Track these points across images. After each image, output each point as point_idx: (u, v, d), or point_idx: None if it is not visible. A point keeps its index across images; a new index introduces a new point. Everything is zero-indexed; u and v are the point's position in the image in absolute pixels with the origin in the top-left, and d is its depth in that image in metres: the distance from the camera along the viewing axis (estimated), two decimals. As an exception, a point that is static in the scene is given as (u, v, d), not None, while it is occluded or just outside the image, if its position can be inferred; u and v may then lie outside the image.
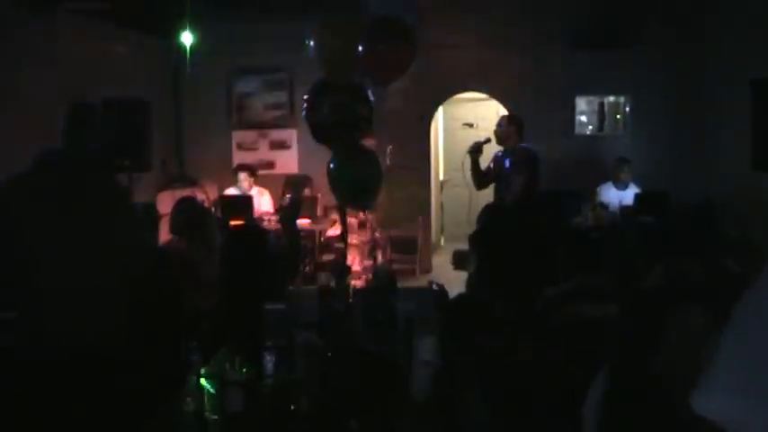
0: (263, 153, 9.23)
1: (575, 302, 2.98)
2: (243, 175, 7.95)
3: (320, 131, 4.75)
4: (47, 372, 2.70)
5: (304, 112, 4.81)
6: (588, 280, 3.10)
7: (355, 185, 4.88)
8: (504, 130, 6.27)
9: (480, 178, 6.41)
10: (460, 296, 3.08)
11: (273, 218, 7.55)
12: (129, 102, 6.76)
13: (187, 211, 4.28)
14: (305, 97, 4.83)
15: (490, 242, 3.69)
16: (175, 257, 3.87)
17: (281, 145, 9.21)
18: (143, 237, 3.61)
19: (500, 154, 6.33)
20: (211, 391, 2.35)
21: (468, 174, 6.42)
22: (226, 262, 3.12)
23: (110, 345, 2.78)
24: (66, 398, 2.68)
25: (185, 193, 7.47)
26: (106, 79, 7.05)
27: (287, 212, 7.42)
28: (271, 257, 3.13)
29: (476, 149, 6.27)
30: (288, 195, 7.76)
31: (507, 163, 6.17)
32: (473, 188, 6.51)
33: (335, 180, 4.87)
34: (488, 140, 6.32)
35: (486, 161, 6.44)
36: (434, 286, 3.68)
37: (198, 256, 3.94)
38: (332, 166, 4.90)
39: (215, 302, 3.01)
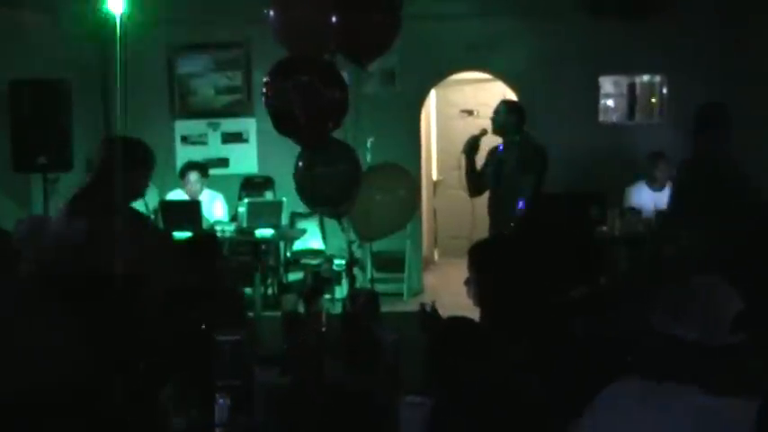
0: (214, 148, 9.21)
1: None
2: (193, 176, 7.89)
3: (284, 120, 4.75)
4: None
5: (264, 98, 4.81)
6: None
7: (325, 186, 4.89)
8: (503, 119, 6.26)
9: (476, 182, 6.40)
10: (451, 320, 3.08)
11: (228, 228, 7.54)
12: (44, 84, 6.73)
13: None
14: (265, 80, 4.82)
15: (496, 259, 3.67)
16: None
17: (236, 138, 9.19)
18: None
19: (500, 148, 6.33)
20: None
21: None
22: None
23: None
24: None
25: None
26: (15, 56, 7.01)
27: None
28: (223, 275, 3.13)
29: (471, 147, 6.27)
30: None
31: (511, 160, 6.17)
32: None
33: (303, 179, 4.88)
34: (485, 133, 6.32)
35: (481, 158, 6.45)
36: (427, 308, 3.68)
37: None
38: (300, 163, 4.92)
39: (154, 333, 3.01)
